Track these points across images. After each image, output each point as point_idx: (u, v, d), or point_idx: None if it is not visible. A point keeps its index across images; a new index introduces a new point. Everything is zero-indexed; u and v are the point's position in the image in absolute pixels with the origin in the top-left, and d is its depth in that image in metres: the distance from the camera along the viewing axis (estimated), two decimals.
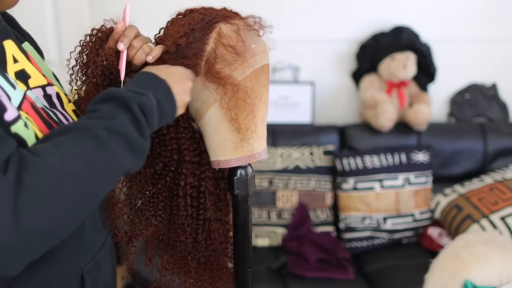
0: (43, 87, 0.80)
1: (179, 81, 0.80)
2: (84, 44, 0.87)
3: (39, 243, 0.60)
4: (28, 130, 0.67)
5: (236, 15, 0.90)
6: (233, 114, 0.87)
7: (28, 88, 0.76)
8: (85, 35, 0.87)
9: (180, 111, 0.82)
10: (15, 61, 0.75)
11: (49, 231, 0.60)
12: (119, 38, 0.84)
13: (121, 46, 0.83)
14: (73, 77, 0.88)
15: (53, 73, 0.90)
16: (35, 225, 0.58)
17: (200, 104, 0.88)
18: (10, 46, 0.76)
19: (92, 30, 0.87)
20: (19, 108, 0.70)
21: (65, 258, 0.77)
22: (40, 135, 0.69)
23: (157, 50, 0.85)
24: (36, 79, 0.78)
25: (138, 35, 0.86)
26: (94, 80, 0.85)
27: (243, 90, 0.87)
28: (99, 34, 0.86)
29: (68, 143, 0.63)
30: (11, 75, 0.73)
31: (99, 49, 0.85)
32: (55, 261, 0.76)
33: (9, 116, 0.65)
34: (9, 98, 0.68)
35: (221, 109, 0.87)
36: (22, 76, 0.76)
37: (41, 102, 0.77)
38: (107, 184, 0.68)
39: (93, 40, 0.86)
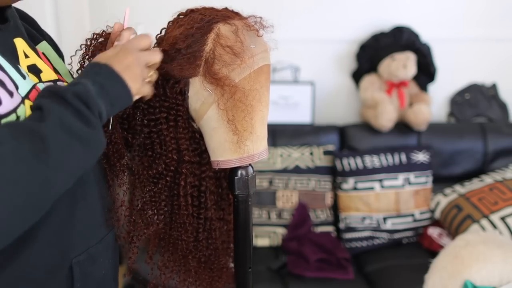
0: (54, 82, 0.81)
1: (122, 58, 0.75)
2: (85, 48, 0.87)
3: None
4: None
5: (236, 15, 0.90)
6: (230, 115, 0.87)
7: (40, 81, 0.78)
8: (86, 39, 0.87)
9: (139, 88, 0.78)
10: (26, 56, 0.78)
11: None
12: (115, 39, 0.84)
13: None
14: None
15: (69, 71, 0.92)
16: None
17: (199, 104, 0.89)
18: (20, 43, 0.78)
19: (93, 34, 0.87)
20: (26, 96, 0.71)
21: (49, 247, 0.77)
22: None
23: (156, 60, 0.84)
24: (48, 74, 0.80)
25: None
26: None
27: (240, 91, 0.87)
28: (100, 39, 0.87)
29: (8, 146, 0.61)
30: (24, 68, 0.76)
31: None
32: (37, 249, 0.75)
33: (2, 109, 0.67)
34: (16, 87, 0.70)
35: (219, 109, 0.87)
36: (34, 69, 0.78)
37: None
38: (59, 184, 0.66)
39: (94, 44, 0.86)
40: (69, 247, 0.81)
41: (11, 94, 0.69)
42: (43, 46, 0.88)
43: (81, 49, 0.88)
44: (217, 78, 0.85)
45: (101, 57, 0.76)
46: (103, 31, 0.88)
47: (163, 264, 1.04)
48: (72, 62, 0.89)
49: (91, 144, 0.69)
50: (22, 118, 0.69)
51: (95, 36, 0.87)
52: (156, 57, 0.82)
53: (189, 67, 0.86)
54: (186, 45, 0.85)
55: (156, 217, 0.99)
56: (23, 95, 0.71)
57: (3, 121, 0.67)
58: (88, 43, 0.87)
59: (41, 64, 0.80)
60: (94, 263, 0.86)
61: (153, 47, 0.90)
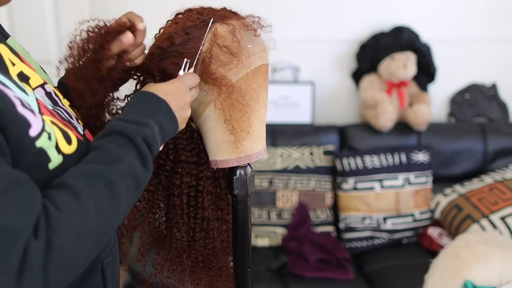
0: (42, 86, 0.79)
1: (179, 98, 0.81)
2: (86, 37, 0.84)
3: (63, 284, 0.63)
4: (51, 142, 0.68)
5: (234, 14, 0.90)
6: (227, 115, 0.87)
7: (32, 89, 0.76)
8: (90, 27, 0.84)
9: (181, 126, 0.83)
10: (13, 64, 0.75)
11: (71, 276, 0.64)
12: (135, 19, 0.83)
13: (141, 26, 0.84)
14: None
15: (40, 67, 0.88)
16: (60, 278, 0.61)
17: (197, 104, 0.89)
18: (4, 50, 0.75)
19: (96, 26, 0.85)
20: (40, 112, 0.70)
21: None
22: (62, 144, 0.70)
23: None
24: (35, 79, 0.78)
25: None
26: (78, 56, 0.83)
27: (237, 91, 0.87)
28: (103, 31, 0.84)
29: (87, 194, 0.65)
30: (16, 79, 0.73)
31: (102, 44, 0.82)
32: None
33: (34, 131, 0.65)
34: (28, 104, 0.68)
35: (216, 109, 0.87)
36: (23, 77, 0.75)
37: (48, 102, 0.77)
38: (117, 223, 0.71)
39: (96, 36, 0.83)
40: (101, 250, 0.82)
41: (33, 112, 0.67)
42: (12, 42, 0.82)
43: (80, 35, 0.85)
44: (214, 78, 0.85)
45: (159, 90, 0.79)
46: (105, 23, 0.85)
47: (158, 263, 1.05)
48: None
49: (145, 185, 0.74)
50: (52, 135, 0.68)
51: (97, 28, 0.84)
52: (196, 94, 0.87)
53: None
54: (181, 42, 0.85)
55: (149, 215, 0.99)
56: (37, 111, 0.69)
57: (38, 142, 0.66)
58: (90, 33, 0.84)
59: (26, 70, 0.77)
60: (115, 262, 0.88)
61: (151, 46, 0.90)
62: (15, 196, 0.58)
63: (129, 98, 0.93)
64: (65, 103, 0.84)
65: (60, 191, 0.65)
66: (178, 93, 0.81)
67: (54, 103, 0.80)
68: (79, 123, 0.83)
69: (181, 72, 0.85)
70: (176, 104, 0.80)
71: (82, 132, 0.80)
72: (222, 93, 0.86)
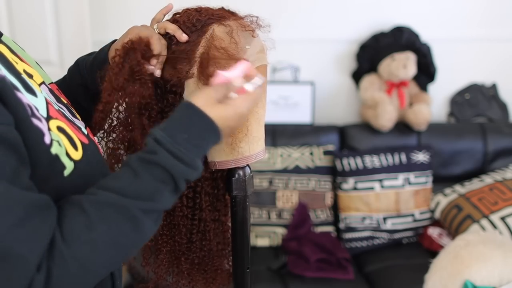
0: (43, 83, 0.78)
1: (232, 125, 0.75)
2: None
3: None
4: (61, 148, 0.67)
5: (232, 14, 0.89)
6: None
7: (39, 87, 0.74)
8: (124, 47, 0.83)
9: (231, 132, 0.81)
10: (16, 63, 0.74)
11: None
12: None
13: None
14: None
15: (36, 62, 0.86)
16: None
17: None
18: (5, 50, 0.73)
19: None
20: (48, 115, 0.68)
21: None
22: (70, 151, 0.68)
23: None
24: (36, 77, 0.77)
25: None
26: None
27: None
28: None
29: (101, 228, 0.63)
30: (25, 76, 0.71)
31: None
32: None
33: (47, 139, 0.64)
34: (37, 109, 0.66)
35: None
36: (28, 76, 0.74)
37: (53, 100, 0.76)
38: (131, 255, 0.70)
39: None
40: None
41: (41, 120, 0.65)
42: (6, 39, 0.79)
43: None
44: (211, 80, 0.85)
45: (218, 114, 0.72)
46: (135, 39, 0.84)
47: (158, 265, 1.04)
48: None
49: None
50: (61, 142, 0.67)
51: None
52: None
53: (181, 68, 0.85)
54: (180, 46, 0.85)
55: None
56: (45, 115, 0.67)
57: (53, 149, 0.65)
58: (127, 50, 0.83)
59: (28, 68, 0.75)
60: None
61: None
62: (32, 224, 0.58)
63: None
64: (64, 99, 0.83)
65: (75, 214, 0.63)
66: (236, 126, 0.76)
67: (57, 99, 0.79)
68: (79, 119, 0.82)
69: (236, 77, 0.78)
70: (227, 128, 0.74)
71: (85, 132, 0.79)
72: None
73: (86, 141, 0.74)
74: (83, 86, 0.93)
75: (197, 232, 1.00)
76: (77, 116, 0.83)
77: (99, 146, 0.81)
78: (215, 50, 0.84)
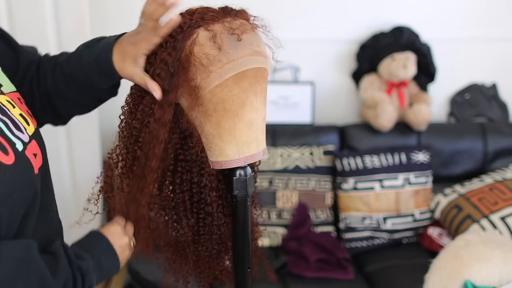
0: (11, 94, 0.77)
1: (118, 239, 0.91)
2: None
3: None
4: None
5: (229, 15, 0.86)
6: (199, 122, 0.87)
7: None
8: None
9: (123, 263, 0.92)
10: None
11: None
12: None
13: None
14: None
15: (1, 70, 0.83)
16: None
17: (185, 107, 0.88)
18: None
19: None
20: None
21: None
22: None
23: None
24: (7, 87, 0.76)
25: None
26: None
27: (215, 98, 0.84)
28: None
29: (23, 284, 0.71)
30: None
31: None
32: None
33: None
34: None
35: (192, 117, 0.87)
36: None
37: None
38: None
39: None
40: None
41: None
42: None
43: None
44: (190, 86, 0.83)
45: (107, 230, 0.92)
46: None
47: (168, 263, 1.06)
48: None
49: None
50: None
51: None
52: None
53: (170, 72, 0.84)
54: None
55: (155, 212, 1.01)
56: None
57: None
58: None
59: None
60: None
61: None
62: None
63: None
64: (16, 112, 0.79)
65: None
66: (117, 234, 0.92)
67: (2, 112, 0.75)
68: (23, 133, 0.78)
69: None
70: (117, 245, 0.90)
71: (21, 148, 0.75)
72: (192, 100, 0.84)
73: (9, 162, 0.71)
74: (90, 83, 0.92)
75: (204, 225, 1.01)
76: (24, 130, 0.79)
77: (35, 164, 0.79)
78: (194, 57, 0.82)
